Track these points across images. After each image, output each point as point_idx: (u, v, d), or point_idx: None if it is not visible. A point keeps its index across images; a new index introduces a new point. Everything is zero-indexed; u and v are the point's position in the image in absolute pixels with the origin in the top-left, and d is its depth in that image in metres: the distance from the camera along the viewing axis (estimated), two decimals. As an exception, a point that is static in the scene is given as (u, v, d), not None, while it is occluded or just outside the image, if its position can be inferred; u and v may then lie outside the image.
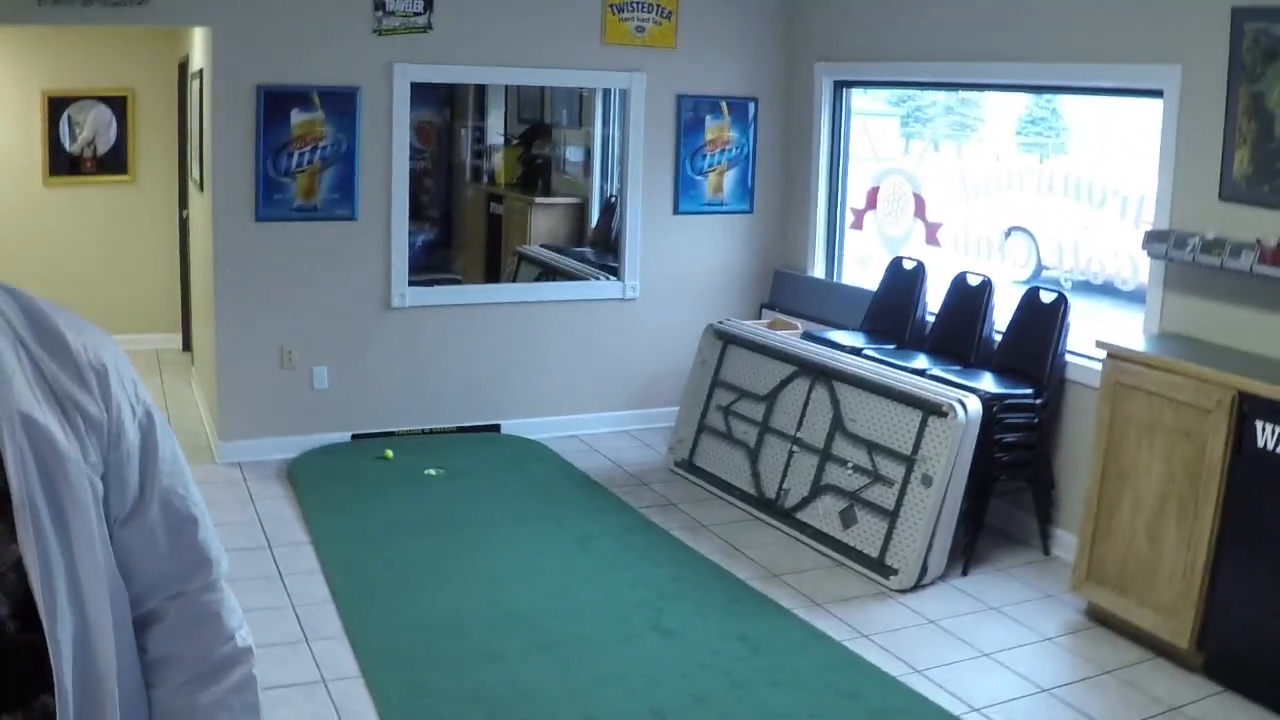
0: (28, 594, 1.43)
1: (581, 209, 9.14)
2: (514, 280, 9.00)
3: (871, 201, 7.86)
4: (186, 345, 9.61)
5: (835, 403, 6.14)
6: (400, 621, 5.07)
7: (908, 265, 6.90)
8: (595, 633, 5.02)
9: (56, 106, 9.26)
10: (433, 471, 6.88)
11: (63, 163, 9.36)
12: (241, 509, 6.32)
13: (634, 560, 5.79)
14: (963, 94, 7.23)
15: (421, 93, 7.34)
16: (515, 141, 9.75)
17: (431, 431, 7.53)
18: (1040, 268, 6.76)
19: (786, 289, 7.99)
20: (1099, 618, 5.17)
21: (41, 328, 1.54)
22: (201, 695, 1.65)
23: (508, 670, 4.65)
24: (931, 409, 5.58)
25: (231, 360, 7.09)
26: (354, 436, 7.36)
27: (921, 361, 6.23)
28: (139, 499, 1.61)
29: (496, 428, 7.70)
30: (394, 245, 7.28)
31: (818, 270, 7.91)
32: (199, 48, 7.60)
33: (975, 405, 5.57)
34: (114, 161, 9.50)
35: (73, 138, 9.35)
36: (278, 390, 7.19)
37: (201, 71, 7.42)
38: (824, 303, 7.62)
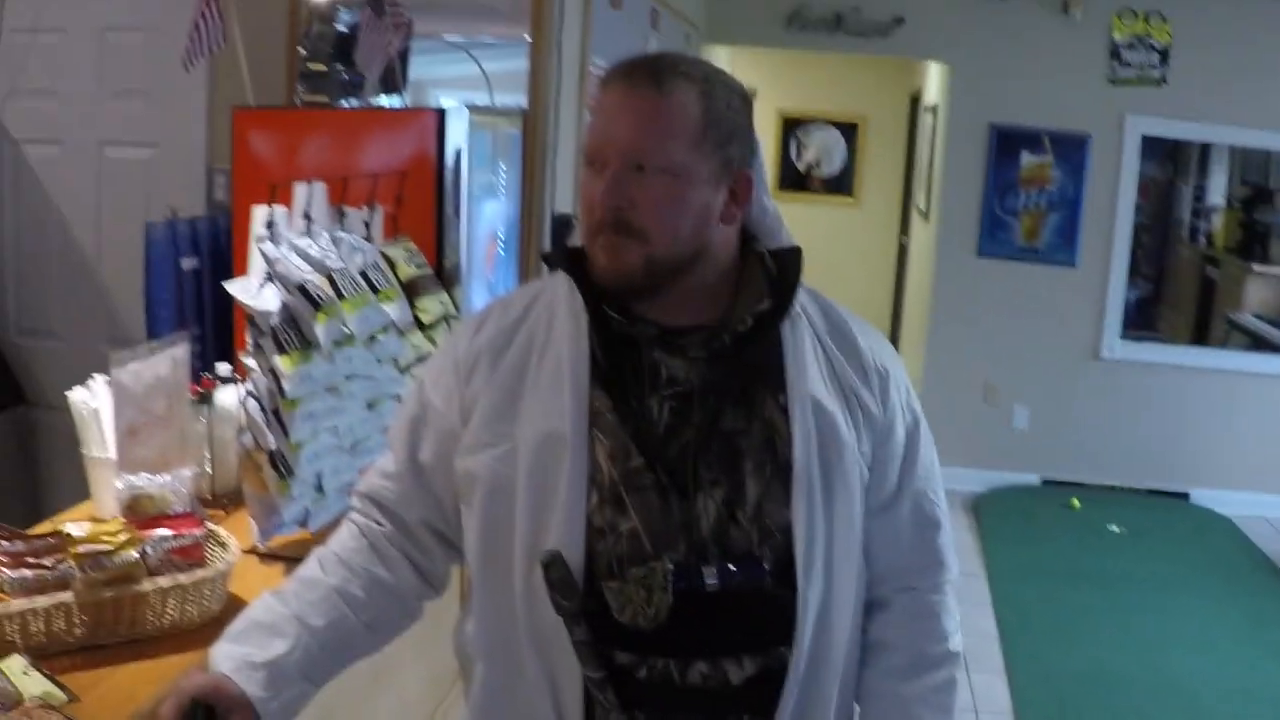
0: (788, 555, 1.66)
1: (1307, 279, 8.91)
2: (1223, 347, 8.95)
3: None
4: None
5: None
6: (1058, 668, 5.37)
7: None
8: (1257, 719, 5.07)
9: (788, 126, 10.31)
10: (1115, 528, 7.09)
11: (790, 179, 10.44)
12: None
13: (1311, 653, 5.76)
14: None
15: (1143, 145, 7.53)
16: (1236, 204, 9.66)
17: (1119, 488, 7.73)
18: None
19: None
20: None
21: (837, 328, 1.81)
22: (906, 686, 1.81)
23: (1159, 740, 4.83)
24: None
25: (937, 387, 7.67)
26: (1044, 481, 7.72)
27: None
28: (894, 494, 1.81)
29: (1185, 495, 7.78)
30: (1110, 296, 7.59)
31: None
32: (934, 82, 8.24)
33: None
34: (839, 183, 10.42)
35: (799, 157, 10.30)
36: (977, 423, 7.70)
37: (935, 106, 8.01)
38: None
